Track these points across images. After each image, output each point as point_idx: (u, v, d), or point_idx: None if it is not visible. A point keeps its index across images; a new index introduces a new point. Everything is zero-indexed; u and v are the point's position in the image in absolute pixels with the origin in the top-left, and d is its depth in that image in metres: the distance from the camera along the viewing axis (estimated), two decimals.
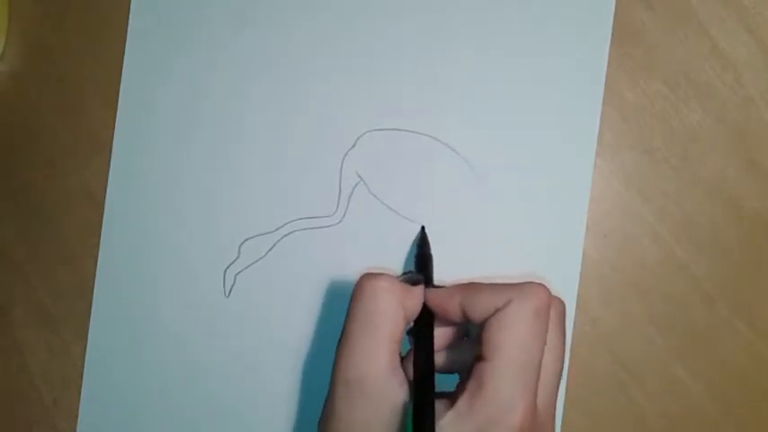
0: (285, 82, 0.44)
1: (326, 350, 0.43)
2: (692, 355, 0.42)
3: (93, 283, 0.45)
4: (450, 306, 0.34)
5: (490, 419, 0.30)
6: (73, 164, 0.45)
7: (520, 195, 0.42)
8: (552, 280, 0.41)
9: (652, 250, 0.42)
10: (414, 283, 0.35)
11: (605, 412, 0.42)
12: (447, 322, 0.35)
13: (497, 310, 0.32)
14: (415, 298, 0.34)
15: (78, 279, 0.45)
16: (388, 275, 0.33)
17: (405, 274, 0.39)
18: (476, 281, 0.34)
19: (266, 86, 0.44)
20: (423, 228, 0.42)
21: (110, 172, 0.45)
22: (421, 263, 0.40)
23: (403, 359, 0.34)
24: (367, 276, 0.33)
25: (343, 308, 0.43)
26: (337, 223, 0.43)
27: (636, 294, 0.42)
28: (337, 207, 0.43)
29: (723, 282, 0.42)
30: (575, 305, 0.42)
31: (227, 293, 0.44)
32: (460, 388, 0.32)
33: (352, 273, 0.43)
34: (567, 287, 0.42)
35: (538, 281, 0.32)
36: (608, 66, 0.42)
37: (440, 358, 0.35)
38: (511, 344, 0.31)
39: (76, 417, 0.44)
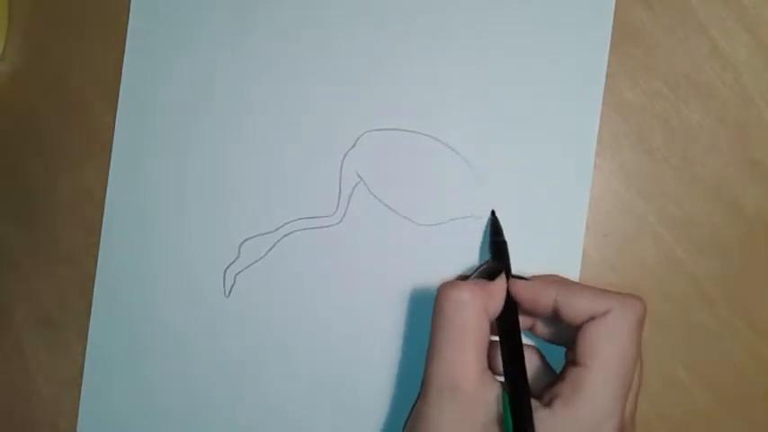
0: (285, 82, 0.44)
1: (326, 350, 0.43)
2: (692, 355, 0.42)
3: (93, 283, 0.45)
4: (543, 302, 0.35)
5: (588, 425, 0.31)
6: (73, 164, 0.45)
7: (520, 195, 0.42)
8: None
9: (652, 250, 0.42)
10: (492, 275, 0.36)
11: None
12: (530, 313, 0.36)
13: (595, 317, 0.33)
14: (496, 297, 0.35)
15: (78, 279, 0.45)
16: (467, 284, 0.34)
17: (482, 265, 0.39)
18: (570, 280, 0.36)
19: (266, 87, 0.44)
20: (493, 213, 0.42)
21: (110, 172, 0.45)
22: (497, 251, 0.40)
23: (489, 350, 0.35)
24: (448, 287, 0.34)
25: (342, 308, 0.43)
26: (337, 223, 0.43)
27: (636, 294, 0.42)
28: (337, 207, 0.43)
29: (723, 282, 0.42)
30: None
31: (227, 293, 0.44)
32: (553, 388, 0.33)
33: (351, 273, 0.43)
34: None
35: (636, 294, 0.34)
36: (608, 66, 0.42)
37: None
38: (612, 354, 0.32)
39: (76, 416, 0.44)
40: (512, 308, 0.36)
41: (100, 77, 0.45)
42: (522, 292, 0.36)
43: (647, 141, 0.42)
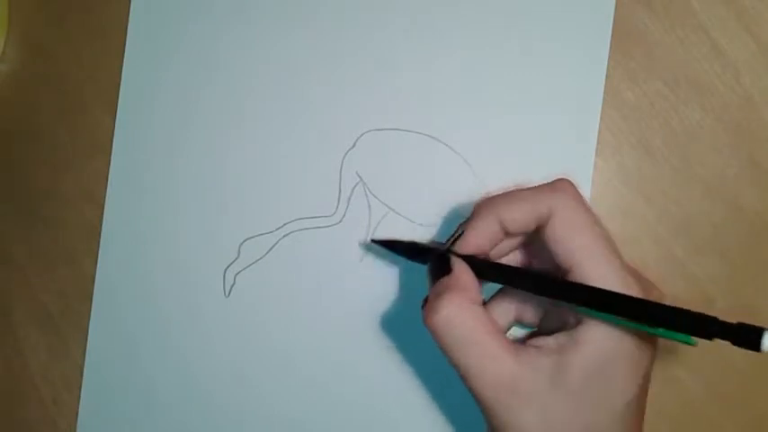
0: (285, 82, 0.44)
1: (326, 350, 0.43)
2: (692, 355, 0.42)
3: (93, 283, 0.45)
4: (492, 234, 0.35)
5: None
6: (73, 164, 0.45)
7: None
8: None
9: (652, 250, 0.42)
10: (444, 264, 0.35)
11: None
12: (496, 248, 0.36)
13: (541, 223, 0.33)
14: (466, 281, 0.34)
15: (78, 279, 0.45)
16: (439, 300, 0.33)
17: (429, 270, 0.38)
18: (503, 194, 0.35)
19: (266, 87, 0.44)
20: (373, 240, 0.42)
21: (110, 172, 0.45)
22: (420, 251, 0.39)
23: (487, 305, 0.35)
24: (427, 317, 0.33)
25: (342, 307, 0.43)
26: (337, 223, 0.43)
27: None
28: (337, 207, 0.43)
29: (723, 282, 0.42)
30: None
31: (226, 293, 0.44)
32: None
33: (351, 273, 0.43)
34: None
35: (560, 181, 0.34)
36: (608, 66, 0.42)
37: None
38: (582, 243, 0.32)
39: (76, 416, 0.44)
40: (479, 262, 0.35)
41: (100, 77, 0.45)
42: (473, 245, 0.35)
43: (647, 141, 0.42)
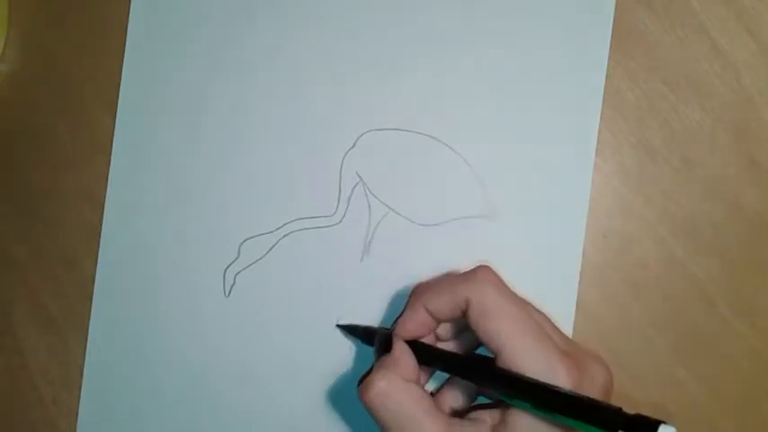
0: (285, 82, 0.44)
1: (325, 350, 0.43)
2: (692, 355, 0.42)
3: (93, 283, 0.45)
4: (424, 321, 0.36)
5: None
6: (73, 164, 0.45)
7: (519, 195, 0.42)
8: (552, 280, 0.42)
9: (652, 250, 0.42)
10: (387, 345, 0.37)
11: None
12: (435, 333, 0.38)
13: (463, 309, 0.34)
14: (404, 359, 0.36)
15: (78, 279, 0.45)
16: (377, 374, 0.34)
17: (375, 348, 0.39)
18: (428, 282, 0.38)
19: (266, 87, 0.44)
20: (338, 325, 0.43)
21: (110, 172, 0.45)
22: (367, 335, 0.41)
23: (440, 393, 0.38)
24: (363, 389, 0.34)
25: (343, 307, 0.43)
26: (337, 223, 0.43)
27: (636, 294, 0.42)
28: (337, 207, 0.43)
29: (723, 282, 0.42)
30: (574, 305, 0.42)
31: (226, 293, 0.44)
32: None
33: (351, 273, 0.43)
34: (566, 287, 0.42)
35: (478, 264, 0.36)
36: (608, 65, 0.42)
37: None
38: (501, 326, 0.33)
39: (76, 416, 0.44)
40: (422, 346, 0.37)
41: (100, 78, 0.45)
42: (407, 331, 0.37)
43: (647, 141, 0.42)
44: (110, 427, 0.44)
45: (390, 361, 0.35)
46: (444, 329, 0.38)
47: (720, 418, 0.42)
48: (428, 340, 0.38)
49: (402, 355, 0.36)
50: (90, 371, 0.45)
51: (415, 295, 0.37)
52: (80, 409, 0.45)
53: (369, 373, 0.35)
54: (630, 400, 0.42)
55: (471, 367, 0.34)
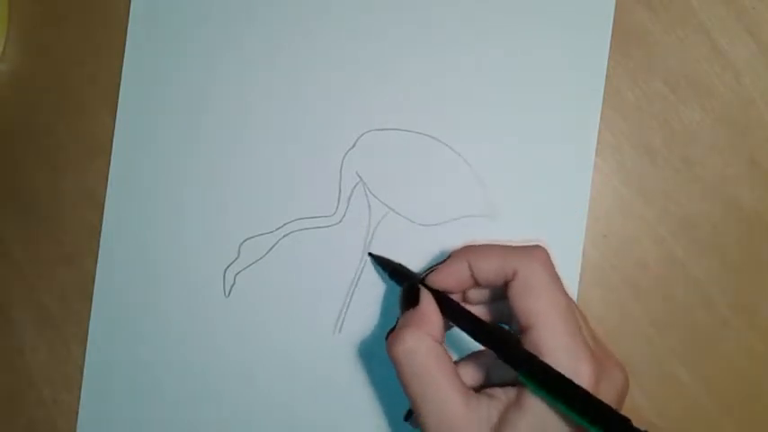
0: (285, 82, 0.44)
1: (325, 350, 0.43)
2: (692, 355, 0.42)
3: (93, 283, 0.45)
4: (462, 277, 0.36)
5: (565, 372, 0.31)
6: (73, 164, 0.45)
7: (519, 195, 0.42)
8: None
9: (652, 250, 0.42)
10: (413, 296, 0.36)
11: None
12: (463, 291, 0.37)
13: (507, 279, 0.34)
14: (432, 317, 0.35)
15: (78, 279, 0.45)
16: (406, 329, 0.34)
17: (402, 294, 0.39)
18: (479, 245, 0.36)
19: (266, 87, 0.44)
20: (370, 254, 0.43)
21: (110, 172, 0.45)
22: (399, 275, 0.41)
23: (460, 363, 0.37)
24: (391, 344, 0.34)
25: (343, 307, 0.43)
26: (337, 223, 0.43)
27: (636, 294, 0.42)
28: (337, 207, 0.43)
29: (723, 282, 0.42)
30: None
31: (226, 293, 0.44)
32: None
33: (351, 273, 0.43)
34: (566, 287, 0.42)
35: (533, 245, 0.35)
36: (608, 66, 0.42)
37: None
38: (542, 307, 0.33)
39: (76, 416, 0.44)
40: (449, 301, 0.36)
41: (100, 78, 0.45)
42: (441, 281, 0.36)
43: (647, 141, 0.42)
44: (110, 427, 0.44)
45: (419, 317, 0.35)
46: (477, 294, 0.38)
47: (720, 418, 0.42)
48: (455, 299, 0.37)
49: (430, 312, 0.35)
50: (90, 371, 0.45)
51: (460, 251, 0.36)
52: (80, 409, 0.45)
53: (396, 326, 0.35)
54: (631, 399, 0.42)
55: (497, 337, 0.34)
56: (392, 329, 0.35)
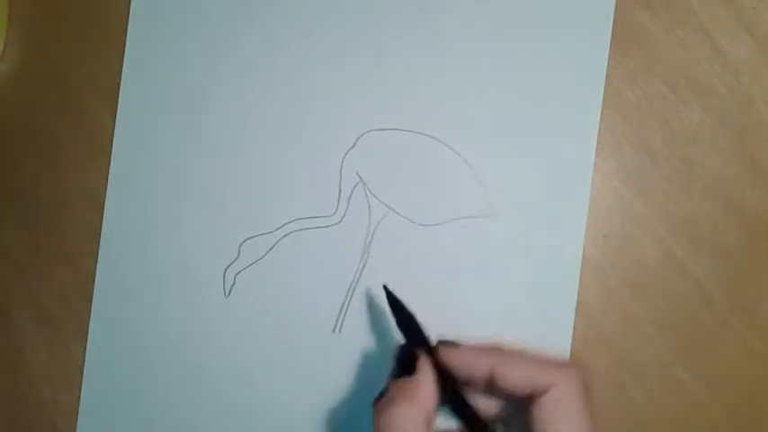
0: (285, 82, 0.44)
1: (325, 350, 0.43)
2: (692, 355, 0.42)
3: (93, 283, 0.45)
4: (479, 371, 0.33)
5: None
6: (73, 164, 0.45)
7: (519, 195, 0.42)
8: (552, 280, 0.42)
9: (652, 250, 0.42)
10: (412, 362, 0.34)
11: (605, 412, 0.42)
12: (465, 383, 0.35)
13: (536, 392, 0.32)
14: (426, 393, 0.33)
15: (78, 279, 0.45)
16: (397, 402, 0.32)
17: (398, 350, 0.36)
18: (507, 350, 0.34)
19: (266, 87, 0.44)
20: (385, 287, 0.38)
21: (110, 172, 0.45)
22: (407, 327, 0.36)
23: None
24: (381, 410, 0.32)
25: (343, 307, 0.43)
26: (337, 223, 0.43)
27: (636, 294, 0.42)
28: (337, 207, 0.43)
29: (723, 282, 0.42)
30: (574, 305, 0.42)
31: (226, 293, 0.44)
32: None
33: (351, 272, 0.43)
34: (566, 287, 0.42)
35: (569, 362, 0.34)
36: (608, 66, 0.42)
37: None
38: (571, 429, 0.31)
39: (76, 416, 0.44)
40: (449, 377, 0.34)
41: (100, 78, 0.45)
42: (456, 361, 0.34)
43: (647, 141, 0.42)
44: (110, 427, 0.44)
45: (413, 390, 0.33)
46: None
47: (720, 418, 0.42)
48: None
49: (427, 391, 0.33)
50: (90, 371, 0.45)
51: (489, 348, 0.34)
52: (80, 409, 0.45)
53: (385, 392, 0.33)
54: (631, 399, 0.42)
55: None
56: (380, 395, 0.33)
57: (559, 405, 0.32)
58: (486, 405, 0.35)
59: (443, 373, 0.34)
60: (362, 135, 0.43)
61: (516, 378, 0.32)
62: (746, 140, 0.42)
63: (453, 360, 0.34)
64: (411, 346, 0.35)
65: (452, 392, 0.34)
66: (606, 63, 0.42)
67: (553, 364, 0.33)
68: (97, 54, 0.45)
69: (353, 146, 0.43)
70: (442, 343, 0.35)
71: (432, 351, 0.34)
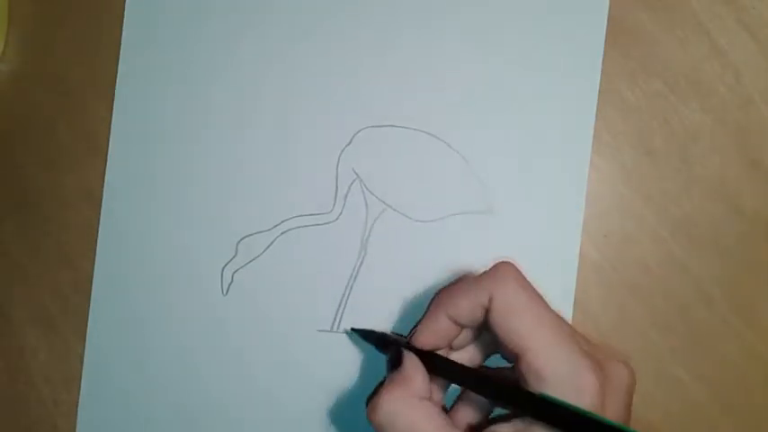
0: (281, 80, 0.44)
1: (324, 348, 0.43)
2: (692, 355, 0.42)
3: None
4: (444, 331, 0.34)
5: (572, 397, 0.30)
6: (72, 164, 0.45)
7: (516, 192, 0.42)
8: (550, 280, 0.42)
9: (652, 250, 0.42)
10: (397, 360, 0.35)
11: None
12: (451, 343, 0.35)
13: (487, 307, 0.32)
14: (416, 376, 0.33)
15: (78, 279, 0.45)
16: (384, 391, 0.33)
17: (388, 359, 0.37)
18: (447, 288, 0.35)
19: (262, 85, 0.44)
20: (352, 329, 0.42)
21: (107, 171, 0.45)
22: (385, 345, 0.39)
23: (455, 409, 0.35)
24: (371, 406, 0.33)
25: (341, 304, 0.43)
26: (334, 220, 0.43)
27: (636, 294, 0.42)
28: (334, 204, 0.43)
29: (723, 282, 0.42)
30: (572, 305, 0.42)
31: (224, 292, 0.44)
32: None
33: (349, 270, 0.43)
34: (564, 287, 0.42)
35: (502, 266, 0.33)
36: (608, 66, 0.42)
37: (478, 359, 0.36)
38: (519, 323, 0.31)
39: (76, 417, 0.44)
40: (438, 359, 0.35)
41: (99, 78, 0.45)
42: (425, 340, 0.35)
43: (647, 141, 0.42)
44: (110, 427, 0.44)
45: (400, 378, 0.33)
46: (461, 337, 0.35)
47: (720, 418, 0.42)
48: (442, 350, 0.36)
49: (412, 372, 0.34)
50: (90, 371, 0.45)
51: (435, 303, 0.35)
52: (80, 409, 0.45)
53: (377, 390, 0.34)
54: None
55: (489, 384, 0.32)
56: (372, 395, 0.34)
57: (505, 308, 0.32)
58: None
59: (431, 357, 0.34)
60: (359, 132, 0.43)
61: (464, 309, 0.33)
62: (746, 140, 0.42)
63: (423, 342, 0.35)
64: (396, 350, 0.36)
65: (448, 369, 0.34)
66: (601, 63, 0.42)
67: (485, 273, 0.33)
68: (97, 54, 0.45)
69: (350, 143, 0.43)
70: (410, 335, 0.36)
71: (414, 348, 0.35)
